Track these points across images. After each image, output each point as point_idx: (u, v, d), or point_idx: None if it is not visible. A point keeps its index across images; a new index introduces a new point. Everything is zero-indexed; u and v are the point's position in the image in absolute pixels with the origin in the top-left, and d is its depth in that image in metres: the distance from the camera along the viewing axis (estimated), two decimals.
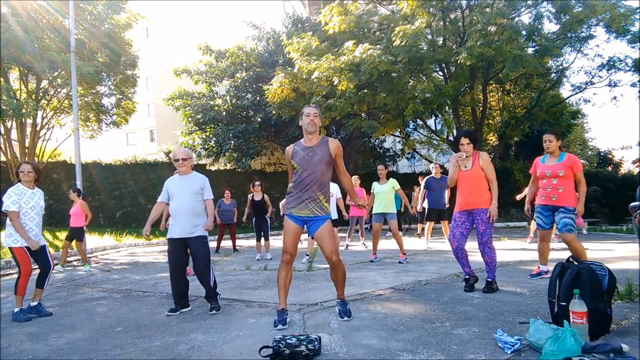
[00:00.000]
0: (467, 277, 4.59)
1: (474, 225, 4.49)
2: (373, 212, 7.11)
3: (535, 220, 4.81)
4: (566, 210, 4.53)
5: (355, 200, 4.08)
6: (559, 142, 4.70)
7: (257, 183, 8.83)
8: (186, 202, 4.27)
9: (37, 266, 4.49)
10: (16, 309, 4.27)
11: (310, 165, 3.57)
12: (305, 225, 3.67)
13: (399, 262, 6.80)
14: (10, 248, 4.32)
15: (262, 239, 8.61)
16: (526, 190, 8.46)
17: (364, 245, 9.76)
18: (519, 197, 8.83)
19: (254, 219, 8.65)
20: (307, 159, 3.59)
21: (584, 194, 4.66)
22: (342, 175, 3.76)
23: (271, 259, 8.27)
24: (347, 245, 9.84)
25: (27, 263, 4.36)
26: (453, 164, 4.61)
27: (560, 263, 3.16)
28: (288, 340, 2.75)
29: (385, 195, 7.02)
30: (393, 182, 7.08)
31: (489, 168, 4.46)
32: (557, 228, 4.70)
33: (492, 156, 17.98)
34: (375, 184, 7.19)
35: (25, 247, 4.31)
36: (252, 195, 8.67)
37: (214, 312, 4.06)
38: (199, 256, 4.25)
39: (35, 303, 4.41)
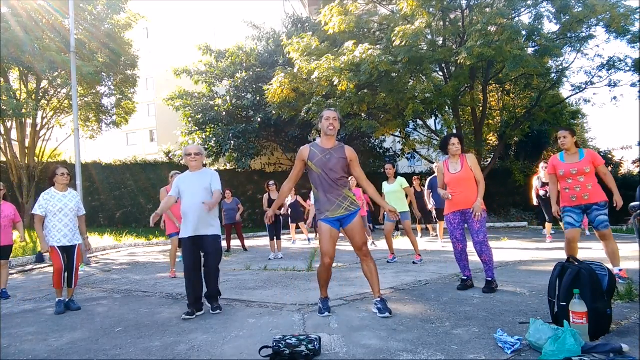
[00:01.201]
0: (466, 278, 4.64)
1: (467, 225, 4.55)
2: (385, 213, 6.97)
3: (565, 220, 4.55)
4: (599, 206, 4.44)
5: (388, 209, 3.95)
6: (574, 138, 4.58)
7: (272, 182, 8.94)
8: (198, 200, 4.16)
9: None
10: (57, 299, 4.58)
11: (327, 167, 3.68)
12: (340, 225, 3.73)
13: (413, 263, 6.67)
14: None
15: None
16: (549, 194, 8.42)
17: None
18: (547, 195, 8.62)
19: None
20: (324, 161, 3.68)
21: (614, 184, 4.51)
22: (364, 182, 3.84)
23: (282, 258, 8.25)
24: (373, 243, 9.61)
25: (57, 260, 4.59)
26: (440, 171, 4.73)
27: (560, 263, 3.16)
28: (288, 341, 2.75)
29: (395, 195, 6.84)
30: (402, 181, 6.95)
31: (477, 168, 4.56)
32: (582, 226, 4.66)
33: (492, 156, 18.00)
34: (384, 184, 7.04)
35: (58, 246, 4.61)
36: (269, 194, 8.75)
37: (217, 311, 4.02)
38: (211, 255, 4.18)
39: (67, 299, 4.70)
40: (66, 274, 4.68)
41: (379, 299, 3.70)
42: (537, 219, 12.30)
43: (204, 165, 4.57)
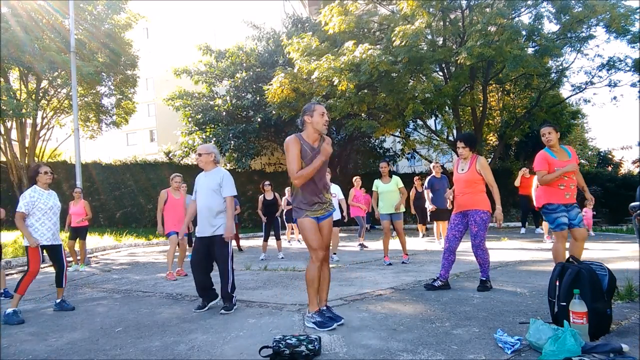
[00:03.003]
0: (438, 278, 4.62)
1: (468, 227, 4.55)
2: (380, 211, 6.85)
3: (559, 221, 4.28)
4: (577, 205, 4.38)
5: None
6: (557, 134, 4.44)
7: (267, 183, 8.93)
8: (203, 200, 4.26)
9: (44, 267, 4.55)
10: (9, 310, 4.15)
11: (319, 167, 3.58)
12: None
13: (402, 262, 6.76)
14: (26, 247, 4.45)
15: (270, 239, 8.62)
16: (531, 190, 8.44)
17: (364, 246, 9.72)
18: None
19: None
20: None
21: (583, 181, 4.57)
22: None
23: (283, 258, 8.25)
24: (363, 245, 9.64)
25: (37, 262, 4.42)
26: (454, 166, 4.82)
27: (560, 263, 3.17)
28: (288, 341, 2.75)
29: (391, 194, 6.76)
30: (397, 180, 6.87)
31: (487, 172, 4.49)
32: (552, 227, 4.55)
33: (492, 156, 17.99)
34: (378, 183, 6.88)
35: (40, 246, 4.43)
36: (263, 195, 8.73)
37: (223, 311, 4.00)
38: (217, 257, 4.20)
39: (58, 300, 4.61)
40: (48, 274, 4.60)
41: (325, 308, 3.57)
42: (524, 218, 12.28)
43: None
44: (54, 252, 4.57)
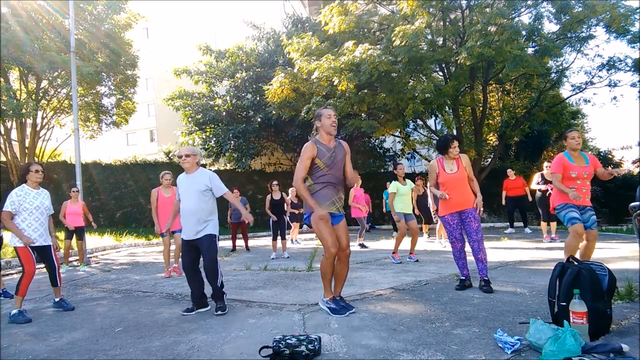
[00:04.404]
0: (464, 278, 4.67)
1: (464, 225, 4.61)
2: (399, 211, 7.03)
3: (569, 216, 4.35)
4: (591, 208, 4.53)
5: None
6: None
7: (275, 183, 9.01)
8: (191, 203, 4.16)
9: (42, 267, 4.60)
10: (14, 311, 4.19)
11: (335, 165, 3.79)
12: None
13: (415, 261, 6.90)
14: (15, 248, 4.35)
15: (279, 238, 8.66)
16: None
17: (363, 245, 9.73)
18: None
19: (270, 219, 8.72)
20: (332, 159, 3.78)
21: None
22: (350, 172, 3.98)
23: (288, 257, 8.29)
24: (363, 245, 9.73)
25: (30, 263, 4.35)
26: (434, 170, 4.75)
27: (560, 263, 3.16)
28: (288, 341, 2.75)
29: (409, 196, 7.14)
30: (410, 182, 7.28)
31: (470, 168, 4.71)
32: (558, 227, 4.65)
33: (492, 156, 17.98)
34: (398, 185, 7.05)
35: (35, 246, 4.39)
36: (271, 195, 8.81)
37: (219, 312, 3.99)
38: (205, 256, 4.17)
39: (58, 299, 4.60)
40: (47, 274, 4.56)
41: (339, 297, 3.90)
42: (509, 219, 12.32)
43: (204, 166, 4.56)
44: (43, 253, 4.52)
